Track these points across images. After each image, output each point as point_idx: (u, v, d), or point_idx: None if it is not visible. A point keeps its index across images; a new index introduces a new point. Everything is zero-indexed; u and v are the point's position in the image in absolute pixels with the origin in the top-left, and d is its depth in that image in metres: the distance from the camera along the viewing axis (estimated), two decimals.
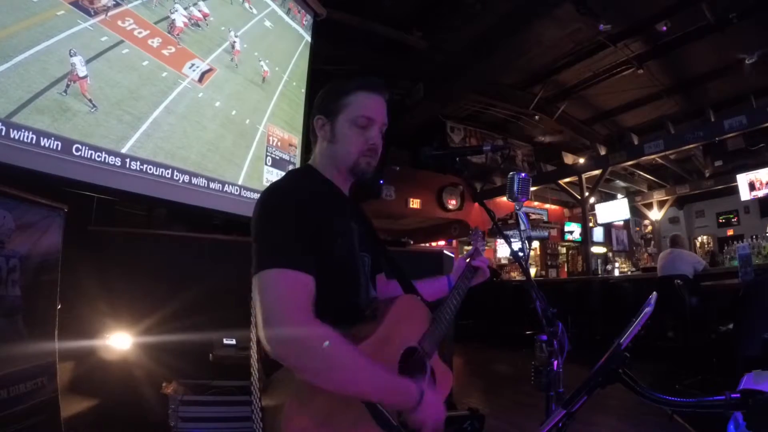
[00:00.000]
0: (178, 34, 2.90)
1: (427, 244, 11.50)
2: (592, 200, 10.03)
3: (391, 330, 0.96)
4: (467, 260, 1.31)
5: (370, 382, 0.85)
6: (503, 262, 11.54)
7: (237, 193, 3.24)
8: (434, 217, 10.52)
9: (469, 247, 1.37)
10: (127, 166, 2.48)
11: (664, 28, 6.11)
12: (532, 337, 0.98)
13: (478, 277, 1.30)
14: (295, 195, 0.96)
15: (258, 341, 0.90)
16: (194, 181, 2.90)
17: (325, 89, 1.11)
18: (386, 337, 0.94)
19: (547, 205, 12.43)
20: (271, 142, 3.62)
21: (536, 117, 9.04)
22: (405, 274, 1.17)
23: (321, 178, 1.07)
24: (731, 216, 11.71)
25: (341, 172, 1.08)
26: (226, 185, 3.15)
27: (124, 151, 2.47)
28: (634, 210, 11.53)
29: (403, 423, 0.91)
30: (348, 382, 0.82)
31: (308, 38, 4.36)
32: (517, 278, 9.47)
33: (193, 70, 3.00)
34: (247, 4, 3.64)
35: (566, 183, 10.07)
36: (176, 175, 2.77)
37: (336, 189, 1.08)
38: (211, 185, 3.02)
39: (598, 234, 11.58)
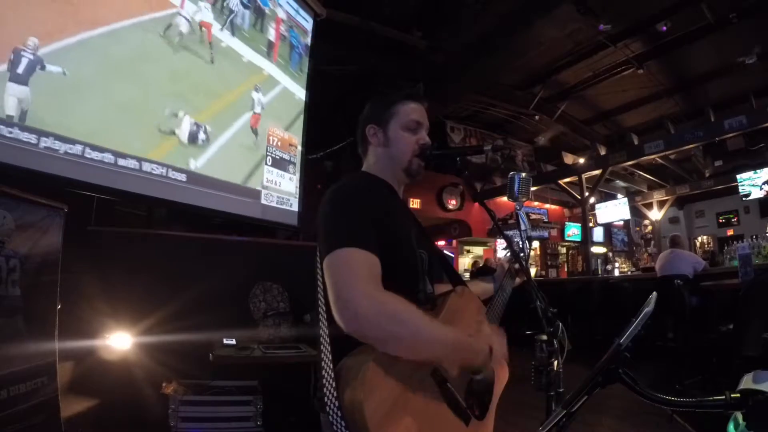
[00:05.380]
0: None
1: None
2: (592, 200, 10.03)
3: (450, 317, 1.01)
4: (507, 263, 1.36)
5: (446, 341, 0.89)
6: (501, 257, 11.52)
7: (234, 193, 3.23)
8: (434, 217, 10.52)
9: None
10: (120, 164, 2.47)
11: (664, 28, 6.10)
12: (532, 337, 0.97)
13: (520, 278, 1.35)
14: (359, 190, 1.06)
15: (328, 321, 0.92)
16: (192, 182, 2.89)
17: (371, 102, 1.22)
18: (446, 323, 0.98)
19: (547, 205, 12.43)
20: (271, 142, 3.62)
21: (536, 117, 9.03)
22: (457, 274, 1.26)
23: (378, 180, 1.15)
24: (731, 216, 11.71)
25: (396, 174, 1.16)
26: (224, 185, 3.14)
27: None
28: (634, 210, 11.53)
29: (471, 405, 0.95)
30: (423, 341, 0.86)
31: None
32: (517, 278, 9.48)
33: None
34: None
35: (566, 183, 10.07)
36: (171, 174, 2.77)
37: (393, 190, 1.16)
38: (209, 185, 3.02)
39: (598, 234, 11.58)
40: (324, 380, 0.87)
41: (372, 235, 0.93)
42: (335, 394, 0.83)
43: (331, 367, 0.87)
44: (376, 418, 0.79)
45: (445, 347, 0.90)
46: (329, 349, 0.90)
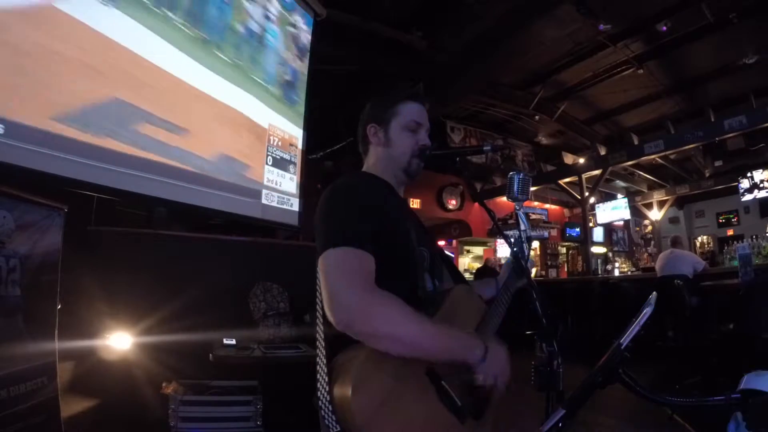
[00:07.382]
0: None
1: None
2: (592, 200, 10.02)
3: (448, 316, 1.01)
4: (512, 262, 1.34)
5: (436, 336, 0.90)
6: (503, 261, 11.51)
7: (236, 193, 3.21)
8: (434, 217, 10.51)
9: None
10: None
11: (664, 28, 6.10)
12: (532, 337, 0.97)
13: (523, 278, 1.31)
14: (354, 188, 1.05)
15: (324, 320, 0.93)
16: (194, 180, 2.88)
17: (373, 101, 1.22)
18: (444, 321, 0.98)
19: (547, 205, 12.43)
20: (271, 142, 3.62)
21: (536, 117, 9.03)
22: (459, 273, 1.28)
23: (377, 179, 1.15)
24: (731, 216, 11.71)
25: (396, 174, 1.17)
26: (224, 185, 3.13)
27: None
28: (634, 210, 11.52)
29: (468, 404, 0.94)
30: (415, 338, 0.86)
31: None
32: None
33: None
34: None
35: (566, 183, 10.07)
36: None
37: (392, 188, 1.16)
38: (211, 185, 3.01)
39: (598, 234, 11.57)
40: (318, 376, 0.88)
41: (367, 233, 0.93)
42: (327, 389, 0.85)
43: (326, 363, 0.89)
44: (365, 412, 0.79)
45: (438, 344, 0.90)
46: (324, 346, 0.92)
